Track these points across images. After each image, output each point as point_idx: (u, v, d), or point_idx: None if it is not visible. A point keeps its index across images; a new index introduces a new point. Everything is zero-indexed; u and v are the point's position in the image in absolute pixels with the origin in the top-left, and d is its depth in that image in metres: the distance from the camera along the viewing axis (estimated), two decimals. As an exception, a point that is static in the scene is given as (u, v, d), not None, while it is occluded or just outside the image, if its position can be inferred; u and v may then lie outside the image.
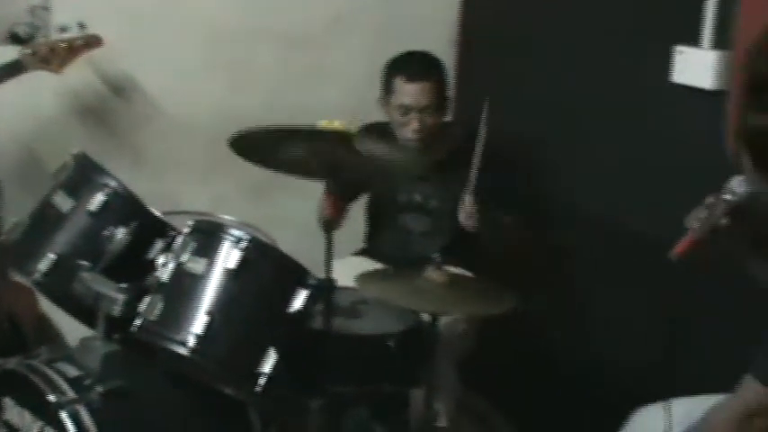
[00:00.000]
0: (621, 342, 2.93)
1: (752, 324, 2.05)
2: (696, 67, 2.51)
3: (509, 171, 3.08)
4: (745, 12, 2.40)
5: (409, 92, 2.99)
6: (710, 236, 1.93)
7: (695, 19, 2.52)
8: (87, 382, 2.36)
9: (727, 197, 1.91)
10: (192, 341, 2.29)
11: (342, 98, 3.54)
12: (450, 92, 3.19)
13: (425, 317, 2.61)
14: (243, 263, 2.34)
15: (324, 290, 2.38)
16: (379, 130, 3.06)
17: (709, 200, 1.95)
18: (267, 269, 2.42)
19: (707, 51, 2.48)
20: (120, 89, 3.39)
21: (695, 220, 1.94)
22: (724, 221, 1.91)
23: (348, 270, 2.95)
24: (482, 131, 2.82)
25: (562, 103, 3.14)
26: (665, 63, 2.60)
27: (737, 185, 1.92)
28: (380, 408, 2.69)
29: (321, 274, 2.38)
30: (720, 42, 2.47)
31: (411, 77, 2.99)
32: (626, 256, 2.91)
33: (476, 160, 2.81)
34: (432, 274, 2.48)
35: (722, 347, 2.55)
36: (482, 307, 2.60)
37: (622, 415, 2.30)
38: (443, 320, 2.70)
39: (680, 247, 1.93)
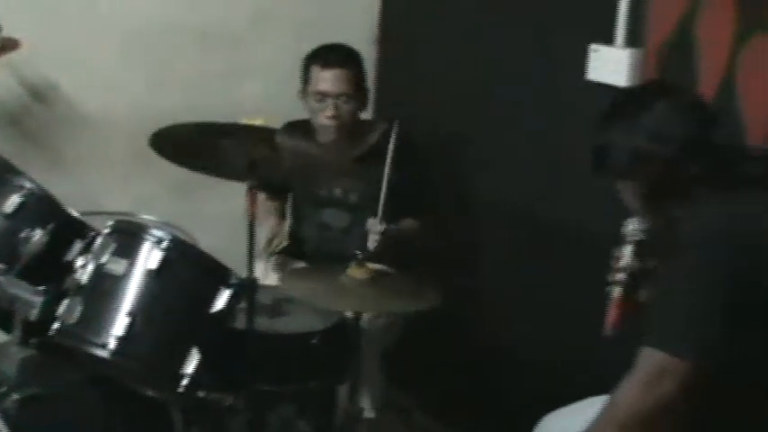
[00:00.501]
0: (542, 339, 2.97)
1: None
2: (610, 64, 2.56)
3: (427, 167, 3.13)
4: (654, 10, 2.47)
5: (325, 78, 3.03)
6: (630, 284, 2.05)
7: (609, 18, 2.57)
8: (3, 389, 2.32)
9: (632, 238, 2.04)
10: (112, 343, 2.27)
11: (263, 96, 3.53)
12: (369, 85, 3.22)
13: (349, 313, 2.63)
14: (164, 263, 2.33)
15: (246, 289, 2.37)
16: (301, 128, 3.07)
17: (616, 251, 2.09)
18: (189, 269, 2.41)
19: (620, 50, 2.54)
20: (36, 89, 3.34)
21: (613, 283, 2.07)
22: (636, 265, 2.03)
23: (271, 269, 2.96)
24: (390, 153, 2.85)
25: (480, 100, 3.17)
26: (581, 61, 2.65)
27: (633, 225, 2.04)
28: (305, 405, 2.69)
29: (244, 273, 2.38)
30: (633, 41, 2.53)
31: (326, 64, 3.04)
32: (544, 252, 2.96)
33: (384, 184, 2.84)
34: (354, 271, 2.50)
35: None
36: (404, 304, 2.62)
37: (542, 410, 2.34)
38: (367, 316, 2.72)
39: (611, 317, 2.04)
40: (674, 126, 1.92)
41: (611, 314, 2.06)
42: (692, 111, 1.96)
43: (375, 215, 2.92)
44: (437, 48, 3.40)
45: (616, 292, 2.07)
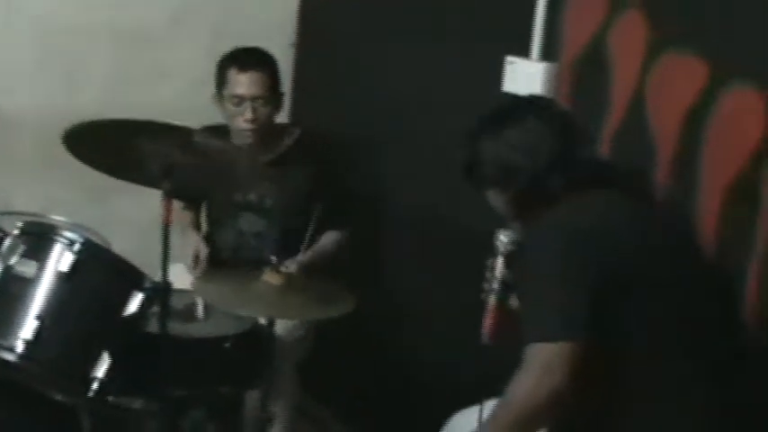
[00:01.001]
0: (454, 342, 3.00)
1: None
2: (525, 77, 2.60)
3: (344, 172, 3.15)
4: (569, 25, 2.52)
5: (241, 81, 3.02)
6: (505, 291, 2.17)
7: (525, 31, 2.61)
8: None
9: (503, 250, 2.11)
10: (20, 347, 2.24)
11: (179, 98, 3.50)
12: (284, 89, 3.22)
13: (262, 320, 2.62)
14: (76, 266, 2.30)
15: (160, 293, 2.35)
16: (217, 131, 3.05)
17: (489, 262, 2.19)
18: (101, 272, 2.39)
19: (535, 63, 2.58)
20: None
21: (486, 290, 2.19)
22: (508, 275, 2.12)
23: (185, 273, 2.94)
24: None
25: (396, 107, 3.19)
26: (497, 73, 2.69)
27: (504, 236, 2.16)
28: (216, 410, 2.68)
29: (157, 277, 2.36)
30: (548, 54, 2.57)
31: (243, 67, 3.03)
32: (456, 259, 2.99)
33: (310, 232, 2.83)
34: (268, 276, 2.49)
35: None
36: (319, 311, 2.62)
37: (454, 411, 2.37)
38: (281, 323, 2.71)
39: (487, 325, 2.13)
40: (539, 141, 2.04)
41: (487, 323, 2.16)
42: (560, 128, 2.08)
43: (289, 221, 2.94)
44: (355, 53, 3.41)
45: (491, 301, 2.16)
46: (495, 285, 2.18)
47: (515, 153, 2.05)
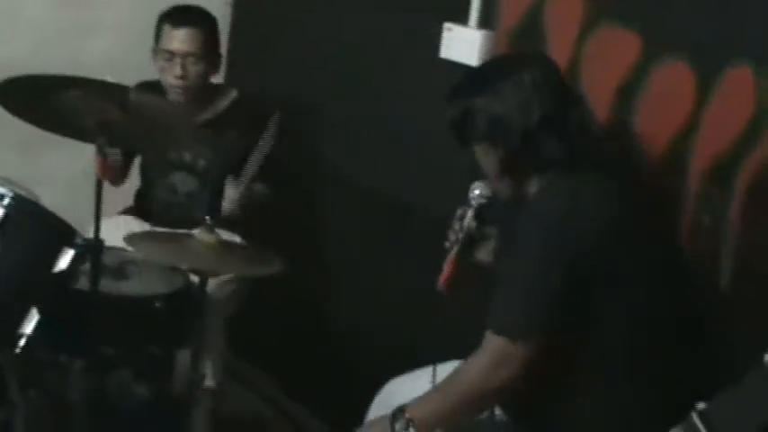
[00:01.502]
0: (382, 307, 3.03)
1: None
2: (463, 44, 2.62)
3: (279, 135, 3.13)
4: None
5: (174, 37, 3.01)
6: (468, 244, 2.16)
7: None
8: None
9: (474, 203, 2.12)
10: (-54, 302, 2.21)
11: (115, 53, 3.45)
12: (221, 49, 3.20)
13: (194, 279, 2.61)
14: (4, 221, 2.27)
15: (91, 250, 2.33)
16: (153, 88, 3.03)
17: (459, 212, 2.18)
18: (31, 228, 2.35)
19: (473, 30, 2.59)
20: None
21: (451, 240, 2.17)
22: (474, 224, 2.12)
23: (116, 229, 2.91)
24: (267, 142, 2.85)
25: (333, 71, 3.19)
26: (435, 39, 2.70)
27: (478, 190, 2.11)
28: (144, 369, 2.67)
29: (89, 234, 2.33)
30: (486, 22, 2.59)
31: (177, 23, 3.02)
32: (388, 226, 3.01)
33: (253, 166, 2.83)
34: (202, 235, 2.49)
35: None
36: (250, 268, 2.63)
37: (382, 377, 2.39)
38: (213, 282, 2.71)
39: (444, 274, 2.13)
40: (533, 98, 1.98)
41: (446, 272, 2.15)
42: (554, 87, 2.03)
43: (224, 181, 2.92)
44: (293, 16, 3.39)
45: (453, 251, 2.15)
46: (461, 236, 2.16)
47: (509, 107, 1.98)
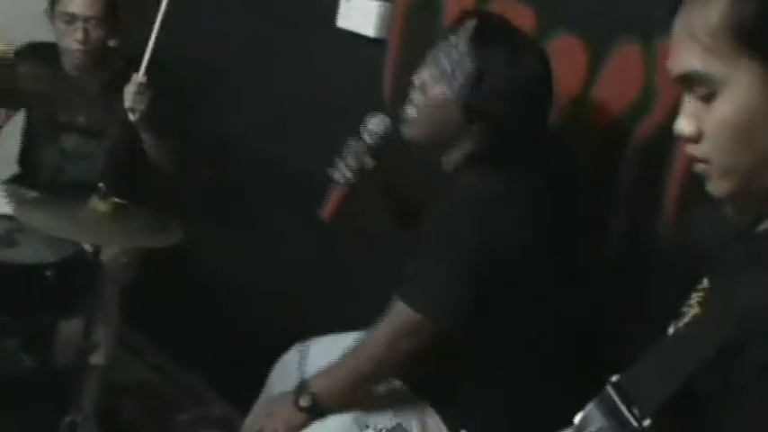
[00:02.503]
0: (280, 276, 3.03)
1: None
2: (360, 14, 2.63)
3: (179, 100, 3.09)
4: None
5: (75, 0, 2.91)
6: (358, 180, 2.09)
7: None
8: None
9: (367, 138, 2.08)
10: None
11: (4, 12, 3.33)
12: (120, 13, 3.11)
13: (88, 247, 2.57)
14: None
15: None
16: (45, 50, 2.95)
17: (350, 143, 2.10)
18: None
19: (370, 1, 2.61)
20: None
21: (340, 171, 2.10)
22: (369, 162, 2.08)
23: (2, 197, 2.84)
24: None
25: (230, 39, 3.16)
26: (332, 9, 2.70)
27: (375, 125, 2.08)
28: (32, 338, 2.62)
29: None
30: (383, -7, 2.61)
31: None
32: (291, 194, 3.01)
33: (152, 37, 2.73)
34: (96, 203, 2.44)
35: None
36: (147, 239, 2.59)
37: (279, 346, 2.40)
38: (106, 251, 2.67)
39: (329, 205, 2.07)
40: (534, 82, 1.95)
41: (331, 203, 2.09)
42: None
43: (119, 145, 2.87)
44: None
45: (341, 182, 2.09)
46: (351, 170, 2.09)
47: (509, 74, 1.91)
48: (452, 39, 1.95)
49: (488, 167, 1.96)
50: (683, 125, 1.15)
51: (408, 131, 2.02)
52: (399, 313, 1.92)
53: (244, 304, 3.16)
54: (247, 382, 2.44)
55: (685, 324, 1.18)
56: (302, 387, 2.01)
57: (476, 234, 1.91)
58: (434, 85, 1.96)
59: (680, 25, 1.14)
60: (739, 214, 1.21)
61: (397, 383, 2.11)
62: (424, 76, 1.99)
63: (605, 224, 2.13)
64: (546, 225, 1.98)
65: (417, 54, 2.50)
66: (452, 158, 2.01)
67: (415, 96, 2.01)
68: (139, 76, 2.72)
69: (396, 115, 2.09)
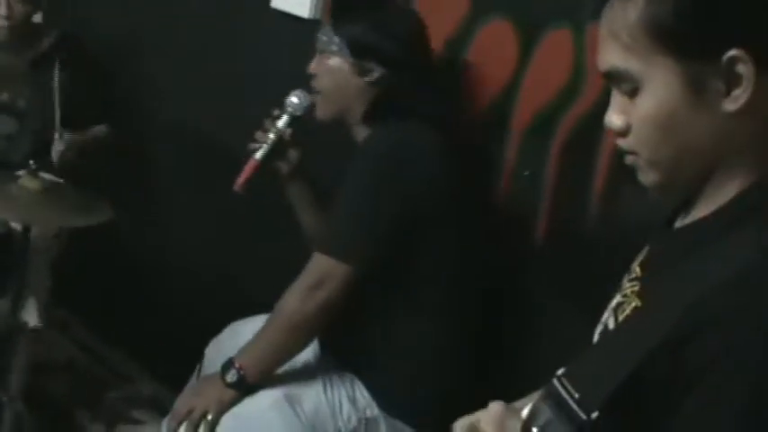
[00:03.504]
0: (211, 257, 3.03)
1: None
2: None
3: (105, 77, 3.06)
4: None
5: None
6: (275, 150, 2.15)
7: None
8: None
9: (287, 110, 2.12)
10: None
11: None
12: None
13: (15, 225, 2.54)
14: None
15: None
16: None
17: (274, 114, 2.16)
18: None
19: (304, -19, 2.61)
20: None
21: (258, 140, 2.15)
22: (288, 132, 2.13)
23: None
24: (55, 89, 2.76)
25: (162, 19, 3.12)
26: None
27: (296, 98, 2.12)
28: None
29: None
30: (317, -27, 2.61)
31: None
32: (224, 173, 2.98)
33: (56, 97, 2.74)
34: (25, 181, 2.42)
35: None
36: (77, 218, 2.56)
37: (212, 324, 2.39)
38: (35, 228, 2.64)
39: (243, 174, 2.11)
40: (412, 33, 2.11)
41: (246, 172, 2.14)
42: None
43: (45, 123, 2.83)
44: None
45: (258, 153, 2.15)
46: (269, 141, 2.16)
47: (388, 34, 2.07)
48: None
49: (389, 123, 2.06)
50: (612, 119, 1.19)
51: (319, 114, 2.14)
52: (315, 263, 1.99)
53: (174, 283, 3.15)
54: (178, 362, 2.43)
55: (627, 316, 1.21)
56: (228, 363, 2.02)
57: (379, 178, 2.00)
58: (321, 62, 2.10)
59: (603, 23, 1.18)
60: (670, 204, 1.25)
61: (322, 356, 2.15)
62: (312, 63, 2.14)
63: (534, 210, 2.17)
64: (448, 178, 2.06)
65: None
66: (359, 124, 2.11)
67: (314, 82, 2.13)
68: (59, 141, 2.73)
69: None
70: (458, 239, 2.08)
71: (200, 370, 2.33)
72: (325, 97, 2.13)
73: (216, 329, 2.35)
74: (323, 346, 2.19)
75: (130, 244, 3.25)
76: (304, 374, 2.10)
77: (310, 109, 2.15)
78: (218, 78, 2.95)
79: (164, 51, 3.14)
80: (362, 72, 2.07)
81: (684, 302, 1.03)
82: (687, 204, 1.22)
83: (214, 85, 2.97)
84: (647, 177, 1.19)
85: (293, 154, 2.23)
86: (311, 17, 2.60)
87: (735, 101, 1.11)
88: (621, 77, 1.16)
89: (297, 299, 1.99)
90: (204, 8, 2.97)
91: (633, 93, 1.16)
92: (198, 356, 2.36)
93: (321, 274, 1.97)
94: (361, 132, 2.12)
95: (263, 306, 2.17)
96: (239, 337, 2.16)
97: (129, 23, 3.24)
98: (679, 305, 1.03)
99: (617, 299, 1.27)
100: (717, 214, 1.15)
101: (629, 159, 1.20)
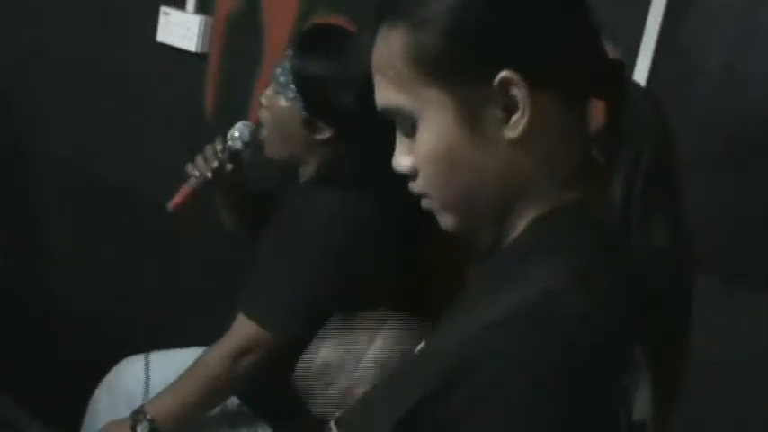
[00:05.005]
0: (103, 295, 2.97)
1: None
2: (180, 28, 2.61)
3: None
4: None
5: None
6: (212, 181, 2.04)
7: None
8: None
9: (231, 143, 2.05)
10: None
11: None
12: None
13: None
14: None
15: None
16: None
17: (217, 145, 2.07)
18: None
19: (191, 15, 2.60)
20: None
21: (197, 168, 2.05)
22: (228, 166, 2.05)
23: None
24: None
25: (47, 54, 3.06)
26: (152, 23, 2.67)
27: (240, 131, 2.06)
28: None
29: None
30: (203, 7, 2.60)
31: None
32: (101, 212, 2.94)
33: None
34: None
35: (206, 299, 2.69)
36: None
37: (105, 365, 2.33)
38: None
39: (178, 197, 2.02)
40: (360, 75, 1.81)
41: (180, 197, 2.01)
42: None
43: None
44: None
45: (193, 181, 2.03)
46: (206, 172, 2.02)
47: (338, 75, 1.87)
48: (288, 51, 1.96)
49: (335, 187, 1.91)
50: (399, 161, 1.10)
51: (267, 152, 2.01)
52: (244, 328, 1.88)
53: (59, 326, 3.06)
54: (67, 406, 2.36)
55: (418, 351, 1.13)
56: (139, 413, 1.92)
57: (322, 254, 1.87)
58: (275, 100, 1.95)
59: (373, 60, 1.09)
60: (478, 245, 1.13)
61: (235, 402, 2.08)
62: (268, 92, 1.98)
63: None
64: (391, 245, 1.93)
65: (238, 68, 2.53)
66: (306, 173, 2.00)
67: (263, 114, 2.00)
68: None
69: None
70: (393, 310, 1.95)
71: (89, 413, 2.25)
72: (270, 137, 1.99)
73: (103, 371, 2.29)
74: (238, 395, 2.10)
75: (10, 287, 3.16)
76: (215, 422, 2.03)
77: (251, 144, 2.04)
78: (105, 114, 2.91)
79: (48, 87, 3.08)
80: (313, 128, 1.92)
81: (455, 346, 0.94)
82: (494, 244, 1.10)
83: (99, 120, 2.93)
84: (445, 221, 1.09)
85: (233, 184, 2.12)
86: (198, 51, 2.58)
87: (515, 127, 1.01)
88: (396, 115, 1.07)
89: (222, 363, 1.89)
90: (89, 41, 2.92)
91: (412, 131, 1.06)
92: (87, 399, 2.29)
93: (249, 341, 1.87)
94: (306, 175, 2.00)
95: (151, 344, 2.13)
96: (127, 377, 2.10)
97: (13, 57, 3.16)
98: (452, 349, 0.95)
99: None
100: (508, 249, 1.07)
101: (424, 203, 1.11)
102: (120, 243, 2.90)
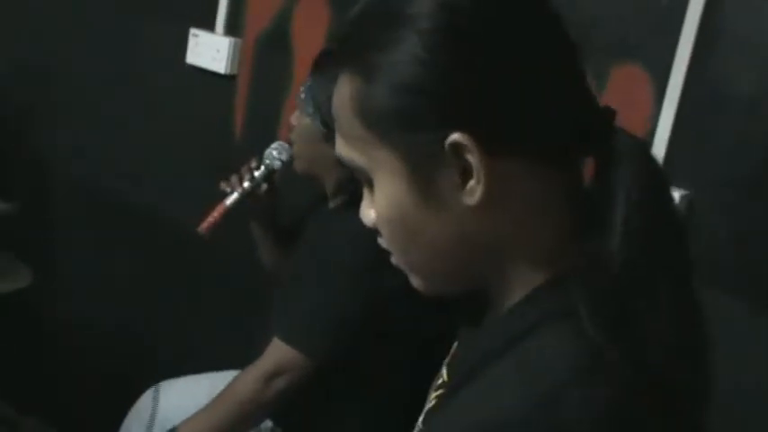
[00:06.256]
0: (129, 319, 2.98)
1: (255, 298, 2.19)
2: (209, 50, 2.63)
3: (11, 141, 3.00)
4: (252, 3, 2.58)
5: None
6: (247, 200, 2.07)
7: (210, 5, 2.64)
8: None
9: (268, 162, 2.08)
10: None
11: None
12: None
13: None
14: None
15: None
16: None
17: (252, 164, 2.10)
18: None
19: (220, 36, 2.62)
20: None
21: (231, 186, 2.08)
22: (263, 186, 2.08)
23: None
24: None
25: (77, 76, 3.08)
26: (181, 45, 2.69)
27: (276, 151, 2.09)
28: None
29: None
30: (232, 29, 2.62)
31: None
32: (131, 235, 2.96)
33: None
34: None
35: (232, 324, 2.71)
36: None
37: (130, 389, 2.34)
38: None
39: (209, 219, 2.04)
40: None
41: (214, 216, 2.04)
42: None
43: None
44: (31, 23, 3.24)
45: (229, 200, 2.06)
46: (241, 191, 2.06)
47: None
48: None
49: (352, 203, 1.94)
50: (364, 214, 1.00)
51: (296, 167, 2.06)
52: (277, 351, 1.90)
53: (89, 349, 3.08)
54: (91, 423, 2.37)
55: (422, 421, 1.07)
56: None
57: (352, 279, 1.89)
58: (300, 118, 2.00)
59: (333, 107, 0.99)
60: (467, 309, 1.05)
61: (269, 426, 2.08)
62: (296, 112, 2.03)
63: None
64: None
65: (267, 89, 2.55)
66: (329, 189, 2.02)
67: (293, 134, 2.04)
68: None
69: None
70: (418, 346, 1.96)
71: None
72: (298, 154, 2.05)
73: (128, 391, 2.30)
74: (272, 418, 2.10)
75: (39, 309, 3.18)
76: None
77: (288, 163, 2.08)
78: (134, 135, 2.93)
79: (77, 106, 3.10)
80: (332, 144, 1.96)
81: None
82: (492, 308, 1.00)
83: (129, 142, 2.95)
84: (413, 281, 1.00)
85: (266, 205, 2.16)
86: (227, 73, 2.60)
87: (471, 194, 0.90)
88: (353, 168, 0.97)
89: (254, 386, 1.91)
90: (119, 62, 2.95)
91: (371, 186, 0.96)
92: (110, 418, 2.31)
93: (282, 363, 1.89)
94: (333, 197, 2.03)
95: (180, 370, 2.13)
96: (156, 402, 2.11)
97: (42, 76, 3.18)
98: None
99: (429, 403, 1.08)
100: (504, 320, 0.95)
101: (392, 260, 1.01)
102: (145, 264, 2.91)
